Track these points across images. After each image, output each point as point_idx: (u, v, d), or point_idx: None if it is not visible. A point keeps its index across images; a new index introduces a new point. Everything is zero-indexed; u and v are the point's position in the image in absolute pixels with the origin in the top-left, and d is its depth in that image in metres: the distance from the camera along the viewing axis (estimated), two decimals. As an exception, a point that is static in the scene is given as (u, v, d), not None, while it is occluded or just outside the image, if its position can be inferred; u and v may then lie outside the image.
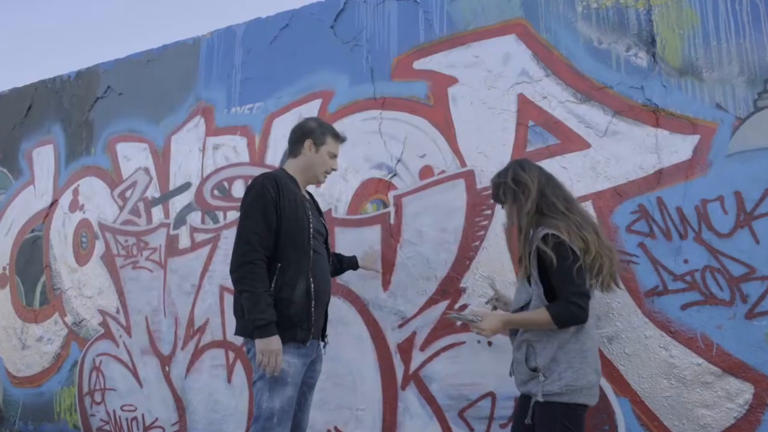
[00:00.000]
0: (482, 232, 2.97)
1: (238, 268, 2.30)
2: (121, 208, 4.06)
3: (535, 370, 2.04)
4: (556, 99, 2.88)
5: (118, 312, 3.98)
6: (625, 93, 2.75)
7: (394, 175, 3.23)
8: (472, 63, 3.11)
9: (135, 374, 3.86)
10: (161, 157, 3.97)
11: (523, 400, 2.17)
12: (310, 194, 2.68)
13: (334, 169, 2.62)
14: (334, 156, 2.60)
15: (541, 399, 2.00)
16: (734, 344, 2.44)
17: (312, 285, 2.38)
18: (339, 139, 2.61)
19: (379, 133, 3.30)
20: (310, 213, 2.47)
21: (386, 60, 3.34)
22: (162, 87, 4.06)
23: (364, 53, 3.41)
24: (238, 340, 3.48)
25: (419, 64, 3.24)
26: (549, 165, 2.81)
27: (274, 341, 2.25)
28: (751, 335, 2.42)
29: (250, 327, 2.27)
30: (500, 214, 2.92)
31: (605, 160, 2.74)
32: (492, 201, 2.39)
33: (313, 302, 2.38)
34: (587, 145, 2.79)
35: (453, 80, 3.14)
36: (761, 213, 2.45)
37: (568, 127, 2.84)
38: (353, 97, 3.39)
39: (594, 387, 2.06)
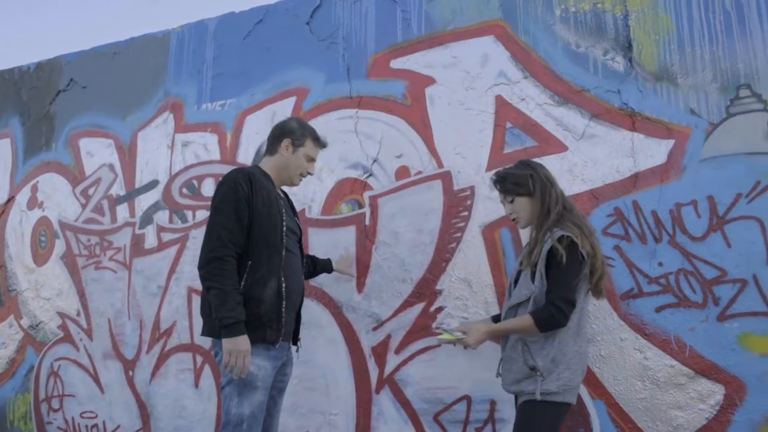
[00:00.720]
0: (459, 234, 2.94)
1: (206, 264, 2.20)
2: (84, 206, 3.89)
3: (533, 369, 2.05)
4: (534, 101, 2.88)
5: (78, 314, 3.81)
6: (602, 97, 2.77)
7: (370, 175, 3.18)
8: (450, 63, 3.09)
9: (96, 379, 3.69)
10: (127, 153, 3.82)
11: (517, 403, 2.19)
12: (284, 193, 2.61)
13: (309, 173, 2.55)
14: (311, 159, 2.52)
15: (539, 397, 2.01)
16: (706, 346, 2.47)
17: (283, 284, 2.30)
18: (319, 143, 2.53)
19: (354, 133, 3.24)
20: (283, 210, 2.39)
21: (363, 58, 3.29)
22: (129, 81, 3.91)
23: (340, 51, 3.35)
24: (206, 344, 3.37)
25: (396, 64, 3.20)
26: (526, 167, 2.81)
27: (242, 341, 2.16)
28: (723, 337, 2.46)
29: (217, 326, 2.18)
30: (477, 215, 2.92)
31: (582, 163, 2.75)
32: (501, 188, 2.30)
33: (284, 302, 2.29)
34: (564, 148, 2.79)
35: (431, 80, 3.11)
36: (733, 217, 2.50)
37: (546, 130, 2.84)
38: (329, 95, 3.33)
39: (579, 387, 2.13)
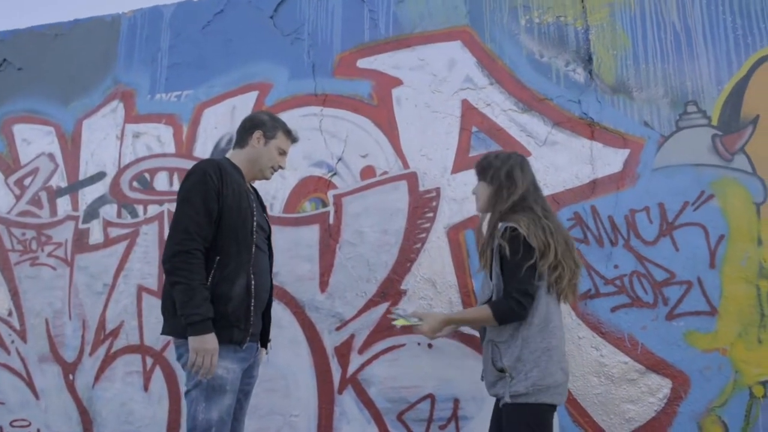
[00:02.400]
0: (424, 235, 2.98)
1: (172, 257, 2.08)
2: (18, 198, 3.61)
3: (502, 370, 2.01)
4: (499, 107, 2.97)
5: (10, 314, 3.52)
6: (564, 106, 2.89)
7: (335, 174, 3.16)
8: (417, 66, 3.12)
9: (30, 385, 3.43)
10: (70, 142, 3.59)
11: (496, 405, 2.14)
12: (254, 188, 2.54)
13: (281, 167, 2.49)
14: (283, 152, 2.46)
15: (509, 400, 1.97)
16: (656, 343, 2.64)
17: (252, 282, 2.22)
18: (290, 136, 2.48)
19: (319, 130, 3.21)
20: (254, 205, 2.33)
21: (329, 56, 3.26)
22: (73, 65, 3.67)
23: (305, 47, 3.31)
24: (157, 345, 3.23)
25: (363, 63, 3.20)
26: (491, 171, 2.90)
27: (210, 339, 2.05)
28: (671, 335, 2.63)
29: (182, 324, 2.06)
30: (442, 217, 2.97)
31: (544, 169, 2.86)
32: (475, 170, 2.28)
33: (252, 300, 2.21)
34: (528, 153, 2.88)
35: (397, 81, 3.13)
36: (680, 223, 2.69)
37: (510, 135, 2.94)
38: (293, 91, 3.28)
39: (561, 386, 2.03)
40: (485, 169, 2.20)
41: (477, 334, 2.81)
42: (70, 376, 3.36)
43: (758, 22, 2.76)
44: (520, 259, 1.99)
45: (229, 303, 2.13)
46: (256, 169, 2.42)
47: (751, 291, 2.59)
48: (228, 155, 2.45)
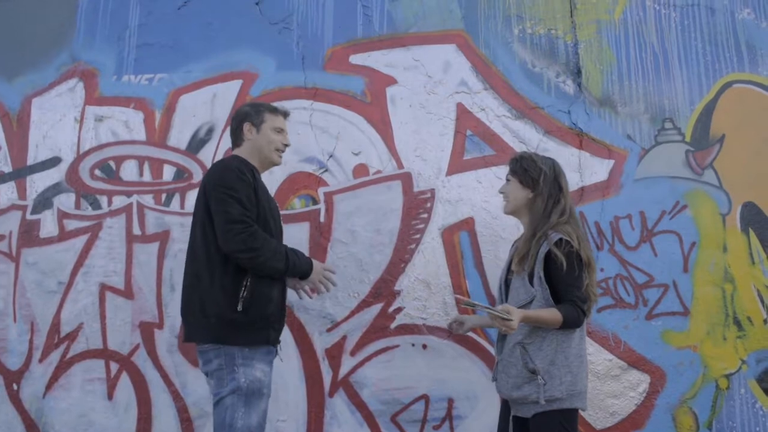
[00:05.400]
0: (418, 236, 2.98)
1: (243, 245, 2.02)
2: (-52, 182, 3.15)
3: (533, 372, 2.00)
4: (493, 112, 3.04)
5: (-65, 316, 3.06)
6: (555, 115, 3.02)
7: (325, 170, 3.07)
8: (411, 66, 3.12)
9: (-38, 396, 3.00)
10: (15, 122, 3.18)
11: (507, 408, 2.14)
12: (259, 185, 2.42)
13: (286, 144, 2.37)
14: (280, 131, 2.34)
15: (543, 402, 1.96)
16: (637, 341, 2.84)
17: (285, 281, 2.23)
18: (278, 112, 2.36)
19: (309, 125, 3.10)
20: (276, 204, 2.28)
21: (319, 49, 3.17)
22: (18, 36, 3.27)
23: (294, 38, 3.18)
24: (124, 349, 2.96)
25: (356, 59, 3.14)
26: (485, 174, 2.97)
27: (317, 265, 2.24)
28: (650, 334, 2.84)
29: (302, 269, 2.19)
30: (436, 218, 2.98)
31: (537, 175, 2.97)
32: (511, 163, 2.25)
33: (286, 300, 2.21)
34: (521, 159, 2.98)
35: (392, 80, 3.11)
36: (658, 231, 2.90)
37: (503, 140, 3.02)
38: (280, 82, 3.14)
39: (586, 391, 2.09)
40: (526, 170, 2.17)
41: (470, 333, 2.87)
42: (14, 386, 2.98)
43: (724, 50, 3.05)
44: (579, 271, 2.05)
45: (270, 303, 2.10)
46: (263, 158, 2.33)
47: (717, 293, 2.85)
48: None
